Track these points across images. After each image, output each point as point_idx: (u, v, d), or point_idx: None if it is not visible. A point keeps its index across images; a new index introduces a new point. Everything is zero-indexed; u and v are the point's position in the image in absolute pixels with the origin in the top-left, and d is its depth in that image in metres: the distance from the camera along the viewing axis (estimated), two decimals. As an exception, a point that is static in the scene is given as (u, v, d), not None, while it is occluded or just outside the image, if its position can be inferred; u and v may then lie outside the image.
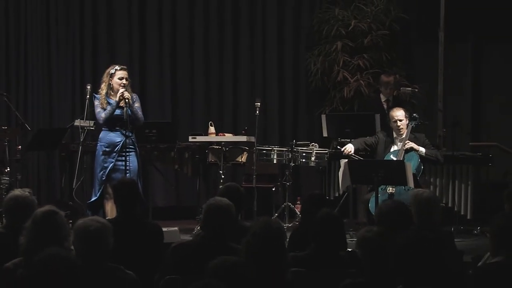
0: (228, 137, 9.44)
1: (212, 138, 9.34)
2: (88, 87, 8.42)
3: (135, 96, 8.16)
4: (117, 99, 7.96)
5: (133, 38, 10.74)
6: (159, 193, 10.60)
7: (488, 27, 10.66)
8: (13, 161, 8.93)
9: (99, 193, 7.98)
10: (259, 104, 9.02)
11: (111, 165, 7.98)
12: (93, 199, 8.08)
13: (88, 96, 8.31)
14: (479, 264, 4.79)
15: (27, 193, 5.07)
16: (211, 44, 10.88)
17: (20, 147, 9.09)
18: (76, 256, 3.99)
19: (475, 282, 4.14)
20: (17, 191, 5.15)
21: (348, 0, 10.69)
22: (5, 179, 8.66)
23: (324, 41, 10.67)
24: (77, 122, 9.00)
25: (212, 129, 9.45)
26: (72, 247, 4.15)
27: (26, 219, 4.53)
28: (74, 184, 8.65)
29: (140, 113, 8.13)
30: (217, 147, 9.18)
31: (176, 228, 8.02)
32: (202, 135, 9.41)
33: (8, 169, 8.76)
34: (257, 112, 8.97)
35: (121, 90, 7.93)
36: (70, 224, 4.55)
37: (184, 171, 9.45)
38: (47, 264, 3.50)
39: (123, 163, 7.96)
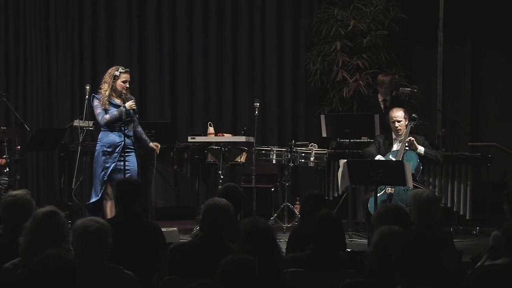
0: (227, 137, 9.44)
1: (211, 138, 9.35)
2: (87, 87, 8.42)
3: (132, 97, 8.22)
4: (121, 102, 7.98)
5: (132, 38, 10.74)
6: (158, 193, 10.60)
7: (487, 27, 10.67)
8: (12, 161, 8.93)
9: (100, 193, 7.97)
10: (258, 104, 9.02)
11: (112, 165, 7.98)
12: (94, 199, 8.05)
13: (87, 97, 8.32)
14: (478, 264, 4.79)
15: (24, 193, 5.07)
16: (211, 44, 10.88)
17: (19, 147, 9.10)
18: (75, 256, 4.00)
19: (478, 282, 4.13)
20: (14, 192, 5.15)
21: (347, 0, 10.69)
22: (5, 179, 8.67)
23: (323, 41, 10.68)
24: (76, 123, 9.01)
25: (211, 130, 9.45)
26: (71, 248, 4.16)
27: (24, 219, 4.53)
28: (73, 184, 8.65)
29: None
30: (216, 147, 9.18)
31: (175, 229, 8.02)
32: (201, 136, 9.41)
33: (8, 169, 8.76)
34: (256, 112, 8.97)
35: (131, 104, 7.96)
36: (69, 225, 4.54)
37: (183, 171, 9.46)
38: (46, 265, 3.50)
39: (125, 163, 7.96)
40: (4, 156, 8.76)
